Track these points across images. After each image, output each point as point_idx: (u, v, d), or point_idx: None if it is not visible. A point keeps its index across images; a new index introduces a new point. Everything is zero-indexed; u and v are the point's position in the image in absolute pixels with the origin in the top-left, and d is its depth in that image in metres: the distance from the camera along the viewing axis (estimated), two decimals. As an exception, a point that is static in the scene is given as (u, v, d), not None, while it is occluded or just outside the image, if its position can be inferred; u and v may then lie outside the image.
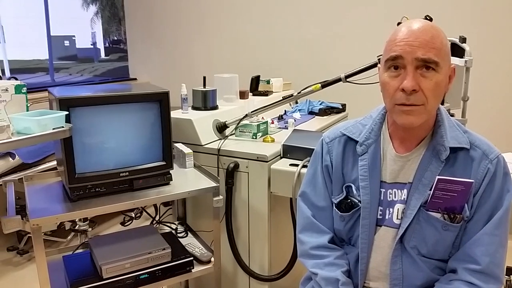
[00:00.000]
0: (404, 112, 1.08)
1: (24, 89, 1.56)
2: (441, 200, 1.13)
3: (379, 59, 1.22)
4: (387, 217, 1.20)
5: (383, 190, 1.20)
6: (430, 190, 1.13)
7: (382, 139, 1.22)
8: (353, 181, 1.24)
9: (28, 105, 1.57)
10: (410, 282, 1.18)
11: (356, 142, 1.24)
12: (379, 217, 1.20)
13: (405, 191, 1.17)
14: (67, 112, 1.49)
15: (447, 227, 1.13)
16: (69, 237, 3.11)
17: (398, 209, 1.18)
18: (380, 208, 1.20)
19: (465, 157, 1.14)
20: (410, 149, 1.17)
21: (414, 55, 1.04)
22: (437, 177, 1.12)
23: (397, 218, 1.18)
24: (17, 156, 2.69)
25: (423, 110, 1.07)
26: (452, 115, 1.67)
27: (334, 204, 1.27)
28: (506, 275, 2.52)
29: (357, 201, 1.22)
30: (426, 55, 1.04)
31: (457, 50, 1.81)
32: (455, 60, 1.80)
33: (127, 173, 1.68)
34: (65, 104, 1.52)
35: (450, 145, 1.13)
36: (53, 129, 1.43)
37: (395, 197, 1.19)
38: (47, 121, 1.42)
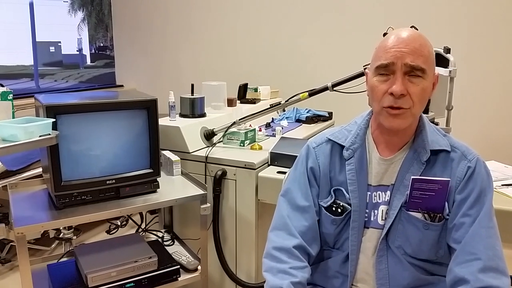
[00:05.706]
0: (391, 115, 1.12)
1: (10, 96, 1.55)
2: (420, 200, 1.16)
3: (365, 69, 1.25)
4: (372, 218, 1.23)
5: (368, 193, 1.22)
6: None
7: (367, 143, 1.25)
8: (340, 184, 1.25)
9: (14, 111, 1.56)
10: (396, 282, 1.19)
11: (342, 147, 1.26)
12: (365, 219, 1.23)
13: (388, 192, 1.21)
14: (53, 119, 1.48)
15: (428, 226, 1.16)
16: (53, 245, 3.06)
17: (382, 210, 1.21)
18: (366, 210, 1.23)
19: (445, 158, 1.19)
20: (394, 153, 1.21)
21: (404, 60, 1.08)
22: (412, 177, 1.16)
23: (382, 219, 1.21)
24: (0, 163, 2.64)
25: (409, 114, 1.12)
26: (436, 124, 1.70)
27: (323, 208, 1.26)
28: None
29: (346, 205, 1.24)
30: (415, 62, 1.08)
31: (441, 60, 1.85)
32: (439, 70, 1.83)
33: (114, 181, 1.67)
34: (52, 111, 1.51)
35: (431, 148, 1.18)
36: (40, 136, 1.41)
37: (379, 199, 1.22)
38: (33, 129, 1.40)
